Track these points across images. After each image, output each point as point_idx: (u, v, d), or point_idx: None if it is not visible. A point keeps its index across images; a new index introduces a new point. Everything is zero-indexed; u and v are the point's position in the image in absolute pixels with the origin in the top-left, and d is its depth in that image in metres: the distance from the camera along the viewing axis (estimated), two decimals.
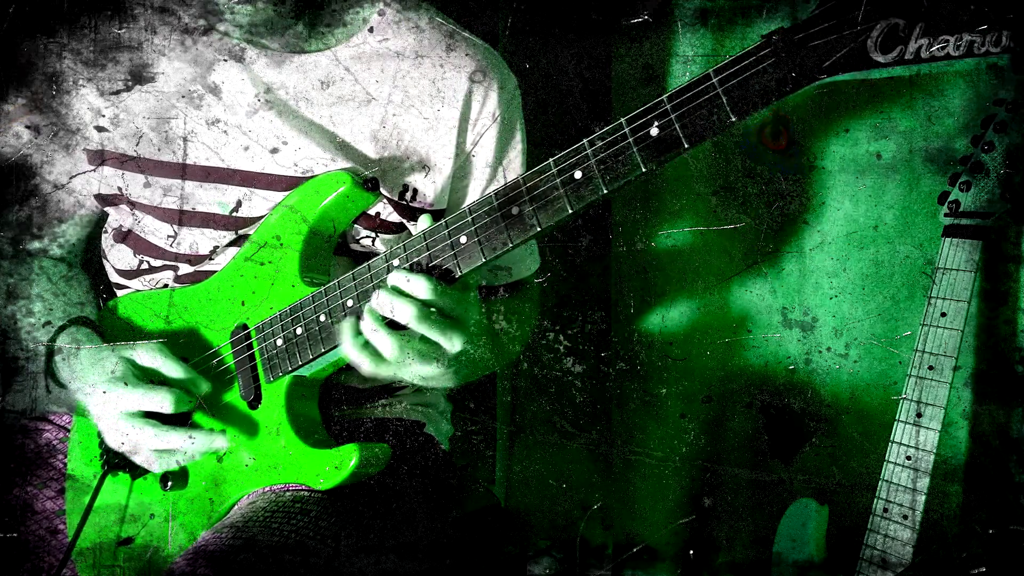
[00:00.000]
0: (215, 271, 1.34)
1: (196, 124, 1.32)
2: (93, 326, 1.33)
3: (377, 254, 1.18)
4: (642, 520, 1.94)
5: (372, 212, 1.34)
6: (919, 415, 1.47)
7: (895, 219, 1.69)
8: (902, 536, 1.47)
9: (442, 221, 1.11)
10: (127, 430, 1.22)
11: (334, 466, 1.18)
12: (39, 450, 1.40)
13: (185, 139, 1.32)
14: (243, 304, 1.30)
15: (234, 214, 1.33)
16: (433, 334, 1.10)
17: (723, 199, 1.82)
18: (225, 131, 1.31)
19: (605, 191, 1.01)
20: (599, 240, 1.87)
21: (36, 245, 1.39)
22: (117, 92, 1.32)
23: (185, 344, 1.34)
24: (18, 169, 1.35)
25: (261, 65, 1.31)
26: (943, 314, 1.46)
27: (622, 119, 0.99)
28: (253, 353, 1.26)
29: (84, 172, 1.36)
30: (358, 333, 1.14)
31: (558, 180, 1.03)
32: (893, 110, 1.66)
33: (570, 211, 1.03)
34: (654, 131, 0.97)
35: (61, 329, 1.31)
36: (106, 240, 1.47)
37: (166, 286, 1.39)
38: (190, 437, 1.23)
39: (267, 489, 1.26)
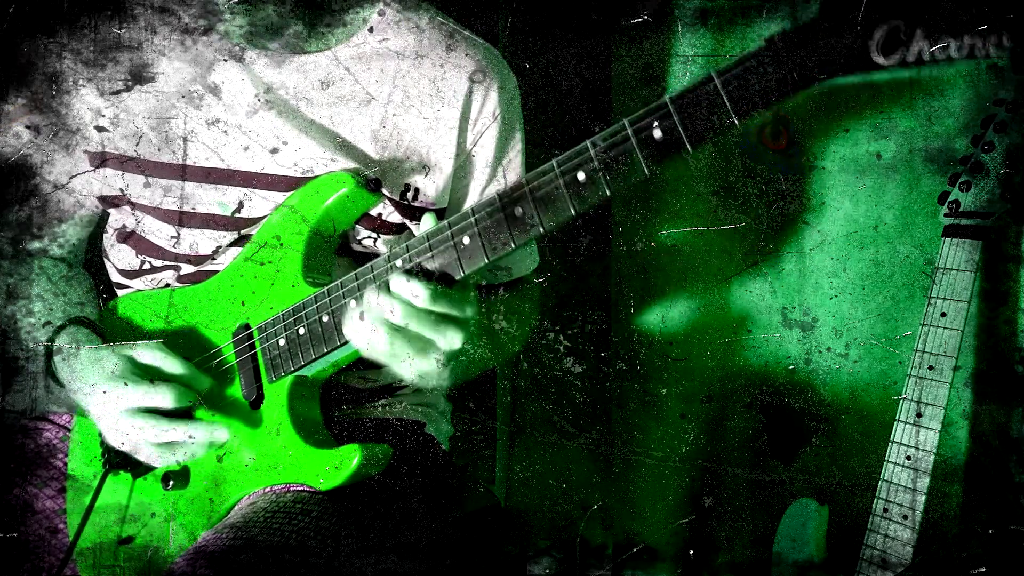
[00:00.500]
0: (217, 271, 1.34)
1: (196, 124, 1.32)
2: (92, 326, 1.33)
3: (379, 255, 1.18)
4: (642, 520, 1.94)
5: (373, 213, 1.34)
6: (919, 415, 1.47)
7: (895, 219, 1.69)
8: (902, 536, 1.47)
9: (445, 222, 1.12)
10: (127, 428, 1.22)
11: (335, 466, 1.18)
12: (39, 450, 1.40)
13: (185, 139, 1.32)
14: (243, 304, 1.31)
15: (235, 215, 1.33)
16: (429, 332, 1.11)
17: (723, 199, 1.82)
18: (225, 131, 1.31)
19: (608, 192, 1.01)
20: (599, 240, 1.87)
21: (36, 245, 1.39)
22: (117, 92, 1.32)
23: (185, 344, 1.34)
24: (18, 169, 1.35)
25: (261, 65, 1.31)
26: (943, 314, 1.46)
27: (625, 120, 0.99)
28: (255, 353, 1.26)
29: (84, 172, 1.36)
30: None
31: (561, 181, 1.03)
32: (893, 110, 1.66)
33: (573, 212, 1.03)
34: (657, 132, 0.98)
35: (60, 329, 1.31)
36: (108, 240, 1.47)
37: (167, 285, 1.39)
38: (191, 431, 1.23)
39: (267, 489, 1.26)
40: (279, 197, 1.30)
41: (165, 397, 1.21)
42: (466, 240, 1.10)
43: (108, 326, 1.39)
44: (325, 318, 1.20)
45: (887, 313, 1.71)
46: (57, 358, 1.29)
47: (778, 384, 1.80)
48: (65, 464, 1.39)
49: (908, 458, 1.47)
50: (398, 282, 1.11)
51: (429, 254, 1.12)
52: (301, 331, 1.22)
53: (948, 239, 1.49)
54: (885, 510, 1.49)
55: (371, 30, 1.33)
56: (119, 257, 1.43)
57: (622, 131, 0.99)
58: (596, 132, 1.02)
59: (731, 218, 1.82)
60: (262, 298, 1.29)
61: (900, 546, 1.47)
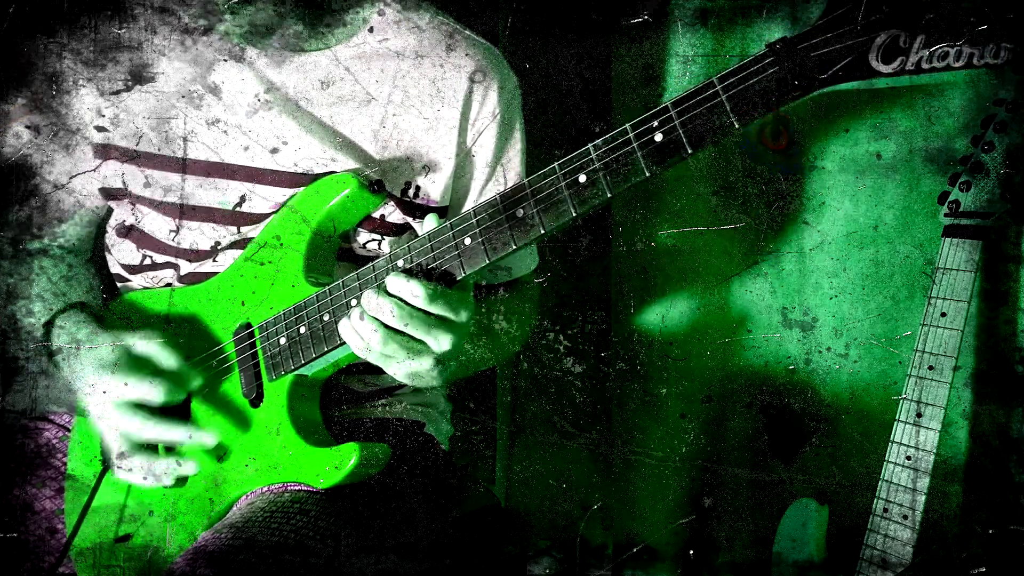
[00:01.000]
0: (217, 272, 1.34)
1: (196, 124, 1.32)
2: (91, 311, 1.34)
3: (381, 256, 1.18)
4: (642, 520, 1.94)
5: (376, 215, 1.35)
6: (919, 415, 1.47)
7: (895, 219, 1.69)
8: (902, 536, 1.47)
9: (447, 223, 1.12)
10: (116, 420, 1.22)
11: (334, 465, 1.18)
12: (39, 450, 1.40)
13: (185, 139, 1.32)
14: (243, 304, 1.31)
15: (237, 209, 1.33)
16: (421, 334, 1.12)
17: (723, 199, 1.82)
18: (225, 131, 1.31)
19: (609, 194, 1.02)
20: (599, 240, 1.87)
21: (36, 245, 1.39)
22: (117, 92, 1.32)
23: (185, 344, 1.34)
24: (18, 169, 1.35)
25: (261, 65, 1.31)
26: (943, 314, 1.46)
27: (627, 124, 1.01)
28: (256, 351, 1.27)
29: (84, 172, 1.36)
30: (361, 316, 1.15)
31: (563, 183, 1.04)
32: (893, 110, 1.66)
33: (574, 214, 1.04)
34: (658, 136, 0.99)
35: (60, 312, 1.31)
36: (110, 236, 1.46)
37: (168, 285, 1.39)
38: (170, 432, 1.23)
39: (266, 489, 1.26)
40: (281, 194, 1.30)
41: (153, 390, 1.21)
42: (467, 240, 1.11)
43: (108, 325, 1.39)
44: (326, 317, 1.20)
45: (887, 313, 1.71)
46: (58, 357, 1.29)
47: (778, 384, 1.80)
48: (64, 464, 1.39)
49: (908, 458, 1.47)
50: (397, 282, 1.11)
51: (431, 254, 1.13)
52: (302, 330, 1.22)
53: (948, 239, 1.49)
54: (885, 510, 1.49)
55: (371, 30, 1.33)
56: (121, 252, 1.43)
57: (624, 135, 1.01)
58: (596, 132, 1.03)
59: (731, 218, 1.82)
60: (262, 298, 1.29)
61: (900, 546, 1.47)
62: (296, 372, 1.24)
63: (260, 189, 1.32)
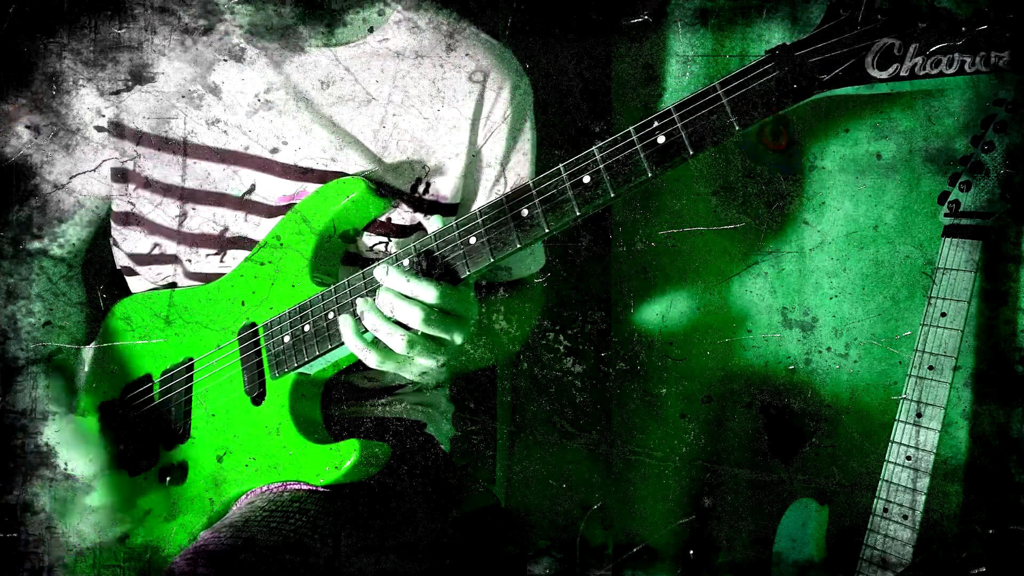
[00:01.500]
0: (224, 273, 1.34)
1: (196, 124, 1.32)
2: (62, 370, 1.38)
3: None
4: (642, 520, 1.94)
5: (383, 218, 1.35)
6: (919, 415, 1.47)
7: (895, 219, 1.69)
8: (902, 536, 1.47)
9: (452, 223, 1.14)
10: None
11: (334, 463, 1.18)
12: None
13: (185, 139, 1.32)
14: (243, 304, 1.31)
15: (247, 197, 1.33)
16: (439, 332, 1.13)
17: (723, 199, 1.82)
18: (225, 131, 1.31)
19: (612, 195, 1.05)
20: (599, 240, 1.87)
21: (36, 245, 1.39)
22: (117, 92, 1.33)
23: (185, 344, 1.34)
24: (18, 169, 1.35)
25: (261, 65, 1.31)
26: (943, 314, 1.46)
27: (631, 127, 1.05)
28: (260, 350, 1.27)
29: (84, 172, 1.36)
30: (363, 331, 1.15)
31: (567, 184, 1.07)
32: (893, 110, 1.66)
33: (578, 213, 1.07)
34: (661, 139, 1.03)
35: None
36: (115, 230, 1.45)
37: (174, 284, 1.39)
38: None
39: (266, 488, 1.26)
40: (291, 185, 1.31)
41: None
42: (472, 240, 1.12)
43: (108, 326, 1.39)
44: (331, 315, 1.21)
45: (887, 313, 1.71)
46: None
47: (778, 384, 1.80)
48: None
49: (908, 458, 1.47)
50: (397, 280, 1.11)
51: (437, 253, 1.14)
52: (307, 328, 1.22)
53: (948, 239, 1.49)
54: (885, 510, 1.49)
55: (371, 30, 1.33)
56: (129, 242, 1.42)
57: (628, 138, 1.04)
58: (596, 132, 1.05)
59: (731, 218, 1.82)
60: (262, 298, 1.29)
61: (900, 546, 1.47)
62: (299, 371, 1.24)
63: (269, 179, 1.32)
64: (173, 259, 1.38)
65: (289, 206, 1.31)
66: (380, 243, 1.37)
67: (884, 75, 0.96)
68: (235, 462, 1.26)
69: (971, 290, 1.45)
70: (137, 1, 1.33)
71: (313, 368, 1.25)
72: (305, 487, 1.23)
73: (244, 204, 1.33)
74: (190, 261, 1.37)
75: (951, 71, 0.94)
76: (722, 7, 1.77)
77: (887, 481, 1.49)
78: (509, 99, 1.35)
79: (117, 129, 1.33)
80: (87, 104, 1.33)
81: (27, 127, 1.34)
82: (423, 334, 1.13)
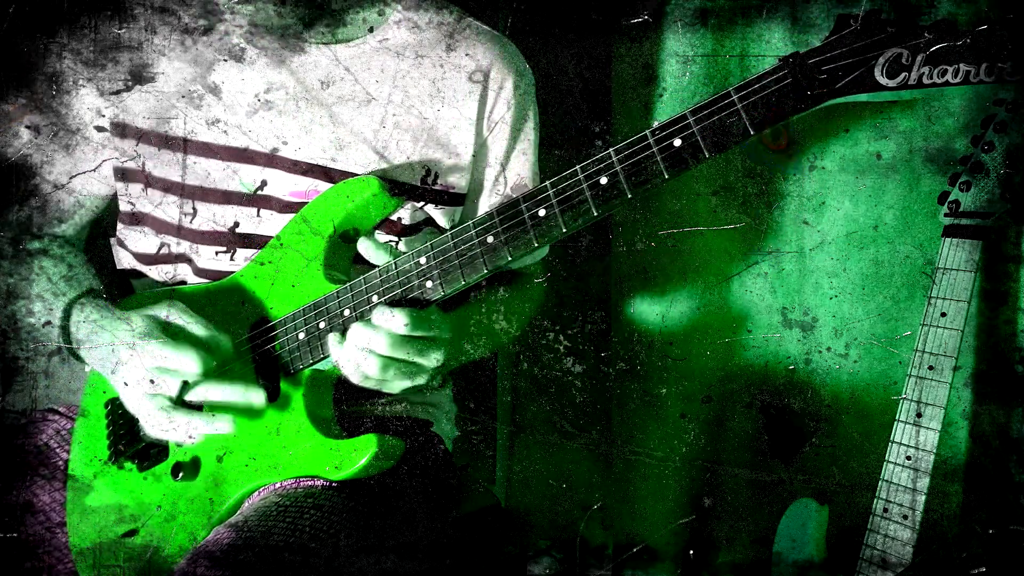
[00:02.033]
0: (233, 271, 1.34)
1: (196, 124, 1.32)
2: (103, 297, 1.33)
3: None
4: (642, 520, 1.94)
5: (393, 217, 1.35)
6: (919, 415, 1.47)
7: (895, 219, 1.69)
8: (902, 536, 1.47)
9: (469, 222, 1.16)
10: (153, 387, 1.21)
11: (352, 456, 1.19)
12: (39, 450, 1.40)
13: (185, 139, 1.32)
14: (243, 304, 1.31)
15: (258, 192, 1.33)
16: (412, 357, 1.18)
17: (723, 199, 1.82)
18: (225, 131, 1.31)
19: (629, 195, 1.10)
20: (599, 240, 1.87)
21: (36, 245, 1.39)
22: (117, 92, 1.33)
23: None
24: (18, 169, 1.35)
25: (261, 65, 1.31)
26: (943, 314, 1.46)
27: (647, 131, 1.09)
28: (273, 347, 1.27)
29: (84, 172, 1.36)
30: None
31: (585, 185, 1.11)
32: (893, 110, 1.66)
33: (595, 214, 1.11)
34: (677, 142, 1.08)
35: (76, 300, 1.30)
36: (121, 230, 1.45)
37: (183, 282, 1.39)
38: (194, 423, 1.22)
39: (270, 488, 1.26)
40: (302, 181, 1.31)
41: (190, 360, 1.20)
42: (490, 239, 1.15)
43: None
44: (347, 313, 1.22)
45: (887, 313, 1.71)
46: (73, 329, 1.27)
47: (778, 384, 1.80)
48: (65, 463, 1.39)
49: (908, 458, 1.47)
50: (381, 315, 1.16)
51: (453, 251, 1.17)
52: (322, 325, 1.23)
53: (948, 239, 1.49)
54: (885, 510, 1.49)
55: (371, 30, 1.34)
56: (136, 242, 1.41)
57: (644, 140, 1.08)
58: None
59: (731, 218, 1.82)
60: (262, 297, 1.29)
61: (900, 546, 1.47)
62: (314, 367, 1.25)
63: (278, 174, 1.32)
64: (181, 258, 1.38)
65: (302, 203, 1.31)
66: (390, 242, 1.37)
67: (893, 83, 1.01)
68: (235, 462, 1.26)
69: (971, 290, 1.45)
70: (137, 1, 1.33)
71: (327, 364, 1.25)
72: (308, 485, 1.23)
73: (256, 199, 1.33)
74: (194, 260, 1.37)
75: (957, 80, 0.99)
76: (722, 7, 1.77)
77: (887, 481, 1.49)
78: (510, 96, 1.36)
79: (118, 129, 1.33)
80: (87, 104, 1.33)
81: (27, 127, 1.34)
82: (397, 359, 1.17)
